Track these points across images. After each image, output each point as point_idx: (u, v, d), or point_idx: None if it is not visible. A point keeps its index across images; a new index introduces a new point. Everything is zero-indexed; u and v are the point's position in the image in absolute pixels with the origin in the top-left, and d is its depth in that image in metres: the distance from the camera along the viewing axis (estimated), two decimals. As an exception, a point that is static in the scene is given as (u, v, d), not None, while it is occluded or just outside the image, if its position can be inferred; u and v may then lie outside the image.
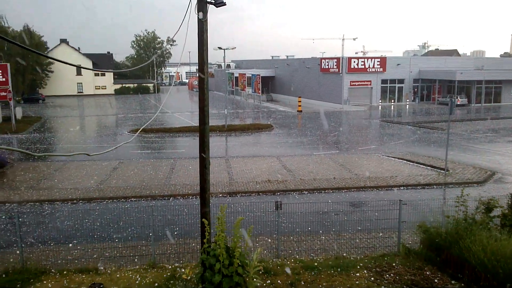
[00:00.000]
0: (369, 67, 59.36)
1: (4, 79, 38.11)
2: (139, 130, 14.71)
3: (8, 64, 40.38)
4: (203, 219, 9.24)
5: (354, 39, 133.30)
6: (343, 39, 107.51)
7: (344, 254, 12.14)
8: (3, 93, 38.21)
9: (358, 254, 12.25)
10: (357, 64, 59.06)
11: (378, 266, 10.94)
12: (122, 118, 49.14)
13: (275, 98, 72.69)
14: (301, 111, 52.88)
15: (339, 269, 10.70)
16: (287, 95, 69.40)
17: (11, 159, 26.67)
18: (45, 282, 10.13)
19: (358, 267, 10.90)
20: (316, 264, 11.10)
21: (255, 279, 8.77)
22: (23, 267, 11.04)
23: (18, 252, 11.62)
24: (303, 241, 13.55)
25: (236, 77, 78.02)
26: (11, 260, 11.94)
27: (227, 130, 37.43)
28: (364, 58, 62.21)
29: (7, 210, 17.51)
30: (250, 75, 70.04)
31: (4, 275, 10.60)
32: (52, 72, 79.35)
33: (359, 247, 12.95)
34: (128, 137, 35.01)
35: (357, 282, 10.11)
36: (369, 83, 59.85)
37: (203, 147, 9.30)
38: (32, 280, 10.19)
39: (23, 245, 11.67)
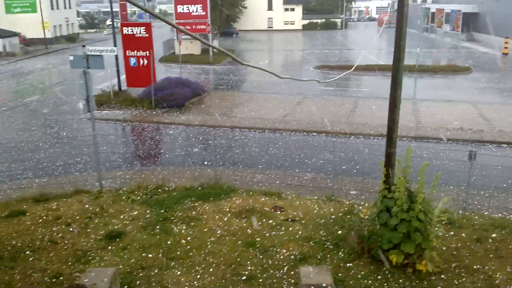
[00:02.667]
0: None
1: (204, 13, 41.25)
2: (346, 71, 14.79)
3: None
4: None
5: None
6: None
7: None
8: (203, 26, 41.45)
9: None
10: None
11: None
12: (308, 54, 49.73)
13: (477, 38, 64.68)
14: (507, 53, 46.22)
15: (536, 232, 9.40)
16: (492, 35, 60.98)
17: (208, 87, 29.52)
18: (234, 198, 11.19)
19: (562, 233, 9.40)
20: (508, 223, 9.93)
21: (436, 228, 8.25)
22: (216, 183, 12.36)
23: (212, 170, 13.00)
24: (495, 197, 12.22)
25: (433, 13, 71.43)
26: (206, 176, 13.45)
27: (418, 70, 34.89)
28: None
29: (204, 133, 19.64)
30: (449, 11, 63.32)
31: (200, 188, 12.05)
32: (245, 7, 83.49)
33: None
34: (313, 73, 35.44)
35: (558, 249, 8.77)
36: None
37: (395, 84, 8.71)
38: (223, 196, 11.35)
39: (216, 164, 12.97)
